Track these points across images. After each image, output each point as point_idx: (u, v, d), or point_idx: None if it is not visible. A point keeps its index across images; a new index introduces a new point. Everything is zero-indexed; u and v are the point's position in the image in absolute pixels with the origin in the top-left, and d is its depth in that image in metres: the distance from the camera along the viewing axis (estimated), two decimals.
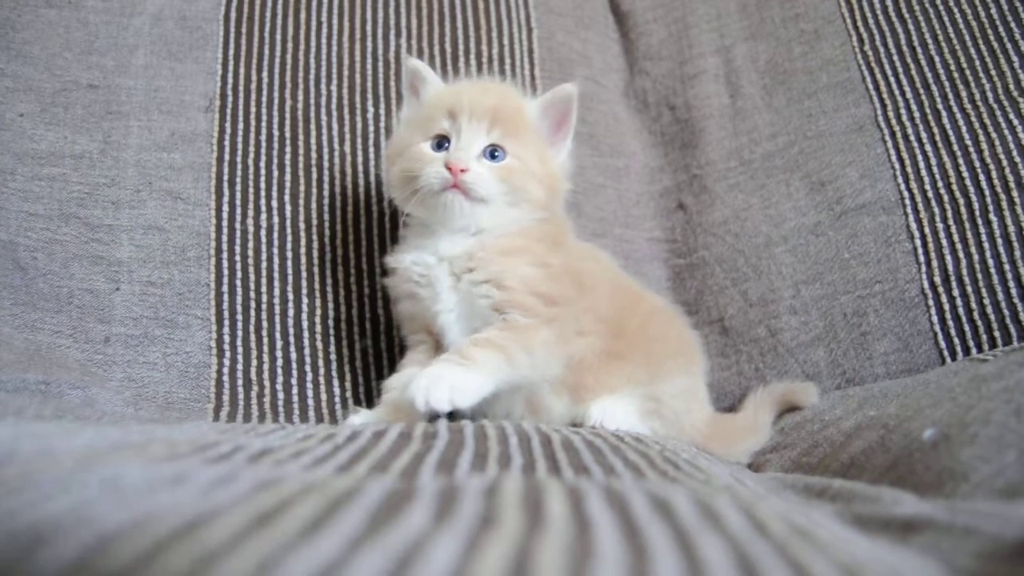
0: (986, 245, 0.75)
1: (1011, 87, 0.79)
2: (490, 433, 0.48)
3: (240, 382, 0.72)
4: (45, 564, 0.22)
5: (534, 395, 0.65)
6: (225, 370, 0.72)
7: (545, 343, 0.61)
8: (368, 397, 0.75)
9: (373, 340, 0.78)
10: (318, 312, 0.77)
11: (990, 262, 0.74)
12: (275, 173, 0.80)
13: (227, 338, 0.73)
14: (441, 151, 0.64)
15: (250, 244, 0.77)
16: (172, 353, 0.72)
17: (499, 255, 0.63)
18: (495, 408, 0.66)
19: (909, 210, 0.78)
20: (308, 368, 0.74)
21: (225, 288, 0.75)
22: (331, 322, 0.77)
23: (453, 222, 0.63)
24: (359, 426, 0.59)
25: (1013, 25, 0.82)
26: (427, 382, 0.54)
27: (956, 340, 0.74)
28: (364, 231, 0.80)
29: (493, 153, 0.64)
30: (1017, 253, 0.73)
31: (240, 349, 0.73)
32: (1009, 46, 0.81)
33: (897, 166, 0.80)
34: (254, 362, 0.73)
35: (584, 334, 0.64)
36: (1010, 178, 0.76)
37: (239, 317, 0.74)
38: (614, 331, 0.65)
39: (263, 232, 0.78)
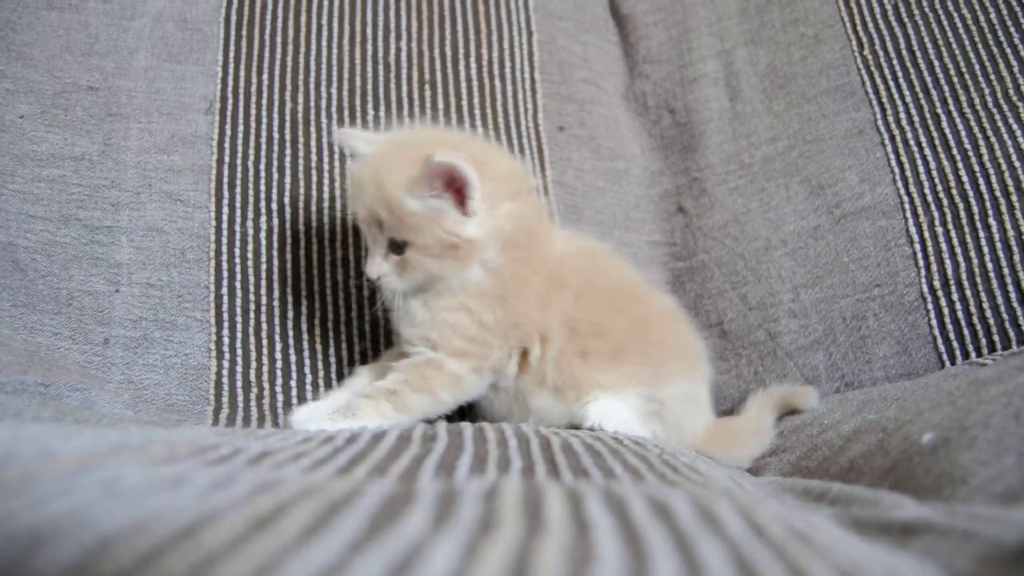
0: (985, 249, 0.75)
1: (1011, 92, 0.79)
2: (489, 436, 0.48)
3: (239, 384, 0.72)
4: (45, 566, 0.22)
5: (519, 397, 0.66)
6: (224, 372, 0.72)
7: (450, 378, 0.62)
8: None
9: (372, 343, 0.78)
10: (317, 315, 0.77)
11: (989, 266, 0.74)
12: (275, 175, 0.80)
13: (226, 340, 0.73)
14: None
15: (250, 246, 0.77)
16: (171, 355, 0.72)
17: (436, 312, 0.63)
18: (488, 412, 0.67)
19: (908, 214, 0.78)
20: (308, 370, 0.74)
21: (224, 290, 0.75)
22: (331, 324, 0.77)
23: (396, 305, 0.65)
24: (303, 420, 0.61)
25: (1012, 30, 0.82)
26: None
27: (955, 344, 0.74)
28: None
29: (398, 246, 0.62)
30: (1016, 257, 0.74)
31: (239, 351, 0.73)
32: (1008, 51, 0.81)
33: (897, 170, 0.80)
34: (253, 364, 0.73)
35: (540, 341, 0.64)
36: (1009, 182, 0.76)
37: (238, 319, 0.74)
38: (591, 331, 0.65)
39: (263, 234, 0.78)
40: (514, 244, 0.63)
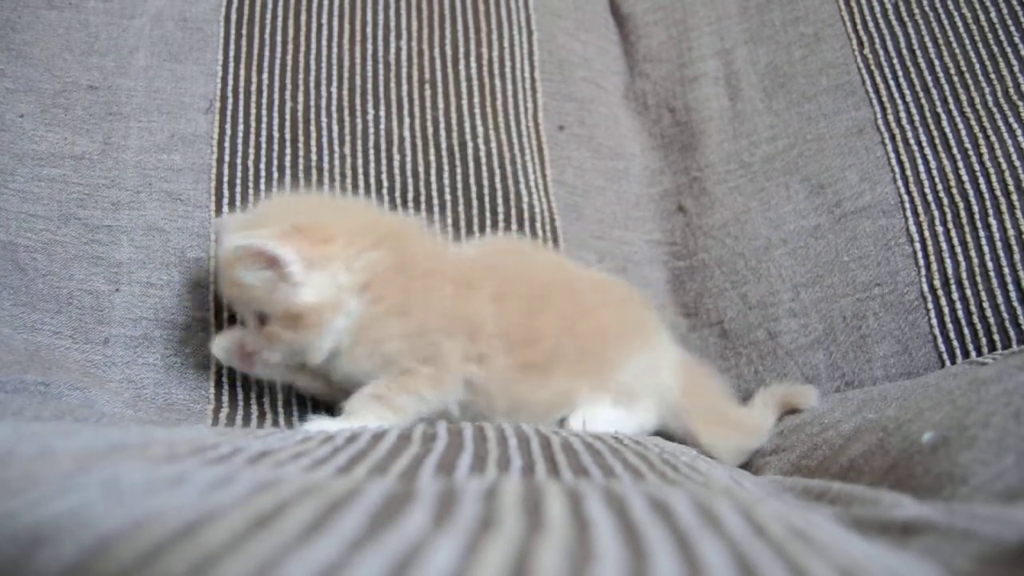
0: (986, 249, 0.75)
1: (1011, 91, 0.79)
2: (489, 435, 0.48)
3: (239, 383, 0.72)
4: (45, 565, 0.22)
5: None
6: (224, 371, 0.72)
7: (426, 380, 0.63)
8: None
9: None
10: None
11: (990, 265, 0.74)
12: (275, 175, 0.80)
13: None
14: None
15: None
16: (172, 354, 0.72)
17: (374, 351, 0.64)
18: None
19: (909, 213, 0.78)
20: None
21: None
22: None
23: None
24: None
25: (1013, 29, 0.82)
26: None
27: (956, 343, 0.74)
28: None
29: (262, 319, 0.63)
30: (1017, 257, 0.73)
31: None
32: (1009, 50, 0.81)
33: (897, 169, 0.80)
34: None
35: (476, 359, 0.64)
36: (1010, 182, 0.76)
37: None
38: (522, 339, 0.64)
39: None
40: (385, 283, 0.63)
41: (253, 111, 0.82)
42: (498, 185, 0.84)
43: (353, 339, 0.63)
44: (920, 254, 0.77)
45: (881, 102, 0.83)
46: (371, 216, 0.70)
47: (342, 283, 0.62)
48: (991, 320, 0.73)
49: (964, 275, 0.75)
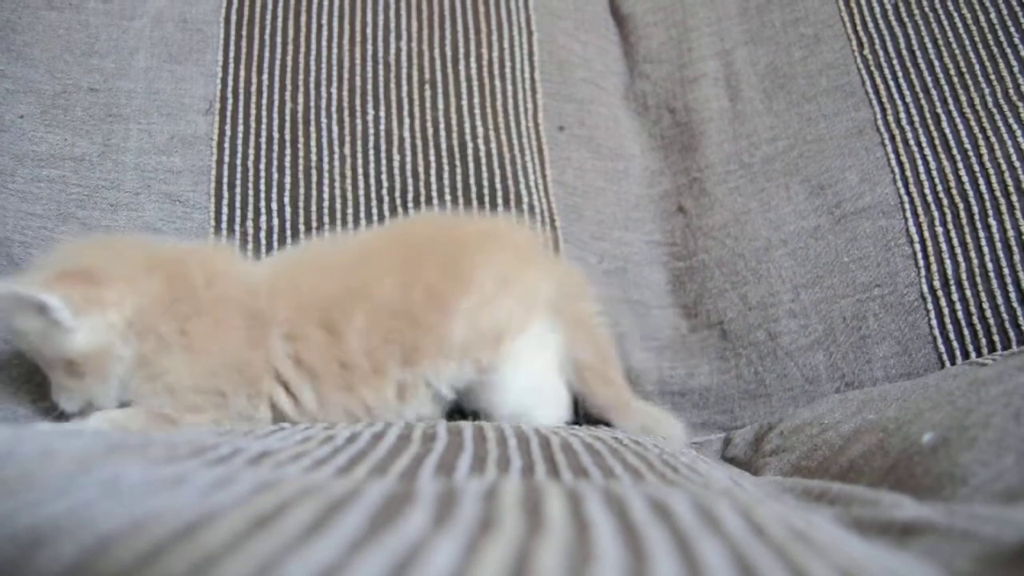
0: (986, 249, 0.75)
1: (1011, 92, 0.79)
2: (489, 436, 0.48)
3: None
4: (44, 565, 0.22)
5: None
6: None
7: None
8: None
9: None
10: None
11: (989, 266, 0.74)
12: (275, 176, 0.80)
13: None
14: None
15: (249, 246, 0.77)
16: None
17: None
18: None
19: (909, 214, 0.78)
20: None
21: None
22: None
23: None
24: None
25: (1013, 30, 0.82)
26: None
27: (955, 344, 0.74)
28: None
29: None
30: (1017, 257, 0.73)
31: None
32: (1009, 51, 0.81)
33: (897, 170, 0.80)
34: None
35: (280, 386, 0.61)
36: (1010, 182, 0.76)
37: None
38: (332, 360, 0.61)
39: (262, 234, 0.78)
40: (151, 317, 0.60)
41: (253, 112, 0.82)
42: (498, 186, 0.84)
43: (136, 380, 0.60)
44: (920, 255, 0.77)
45: (881, 103, 0.83)
46: (149, 252, 0.64)
47: (114, 324, 0.59)
48: (991, 321, 0.73)
49: (964, 276, 0.75)
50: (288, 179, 0.80)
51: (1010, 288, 0.73)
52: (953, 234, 0.76)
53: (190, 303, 0.60)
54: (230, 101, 0.82)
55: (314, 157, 0.82)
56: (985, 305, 0.74)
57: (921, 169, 0.79)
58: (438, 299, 0.62)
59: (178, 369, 0.59)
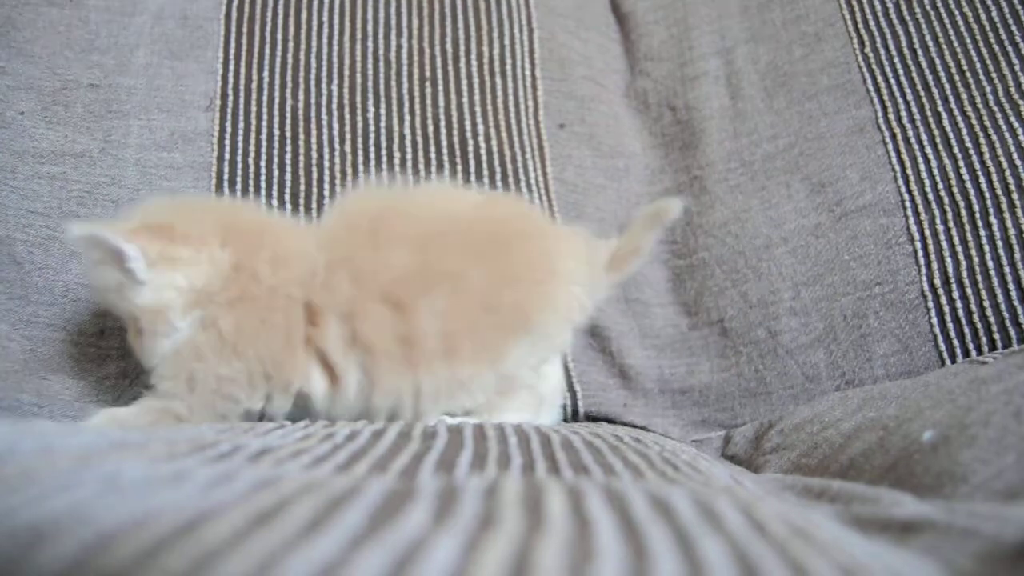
0: (986, 248, 0.75)
1: (1012, 90, 0.79)
2: (489, 433, 0.48)
3: None
4: (45, 562, 0.22)
5: None
6: None
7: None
8: None
9: None
10: None
11: (990, 264, 0.74)
12: (275, 172, 0.80)
13: None
14: None
15: None
16: None
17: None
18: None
19: (909, 212, 0.78)
20: None
21: None
22: None
23: None
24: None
25: (1014, 28, 0.82)
26: None
27: (956, 342, 0.74)
28: None
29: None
30: (1017, 256, 0.73)
31: None
32: (1010, 49, 0.81)
33: (898, 168, 0.80)
34: None
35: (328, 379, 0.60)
36: (1011, 181, 0.76)
37: None
38: (397, 339, 0.59)
39: None
40: (220, 303, 0.58)
41: (254, 109, 0.82)
42: (499, 183, 0.84)
43: (168, 361, 0.59)
44: (920, 253, 0.77)
45: (882, 101, 0.83)
46: (231, 219, 0.63)
47: (180, 287, 0.58)
48: (991, 319, 0.73)
49: (964, 274, 0.75)
50: (288, 176, 0.80)
51: (1011, 286, 0.73)
52: (954, 232, 0.76)
53: (248, 286, 0.58)
54: (231, 98, 0.82)
55: (315, 154, 0.82)
56: (985, 303, 0.74)
57: (922, 167, 0.79)
58: (529, 293, 0.62)
59: (208, 365, 0.57)
